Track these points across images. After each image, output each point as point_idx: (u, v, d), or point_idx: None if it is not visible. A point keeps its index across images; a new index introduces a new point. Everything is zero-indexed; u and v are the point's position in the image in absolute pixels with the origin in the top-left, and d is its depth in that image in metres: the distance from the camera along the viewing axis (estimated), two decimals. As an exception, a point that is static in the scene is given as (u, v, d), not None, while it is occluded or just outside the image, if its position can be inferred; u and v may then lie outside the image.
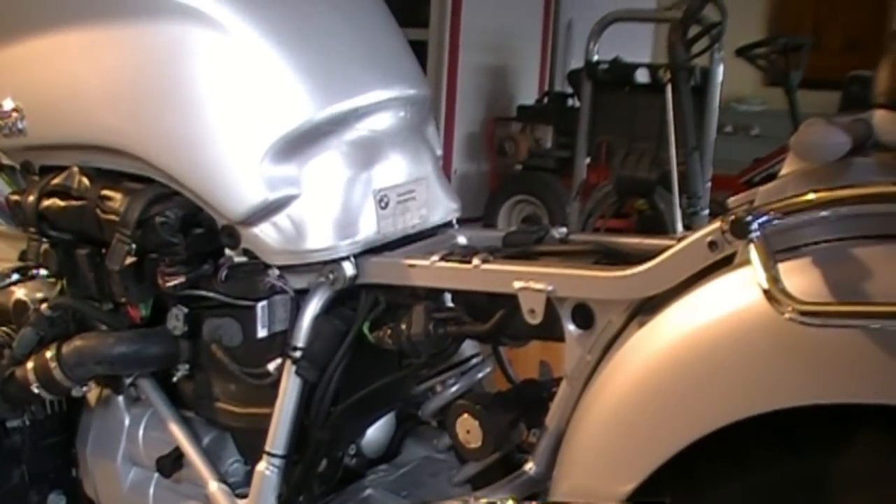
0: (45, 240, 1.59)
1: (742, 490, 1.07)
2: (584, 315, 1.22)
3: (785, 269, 0.99)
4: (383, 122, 1.49)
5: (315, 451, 1.42)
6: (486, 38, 6.07)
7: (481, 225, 5.14)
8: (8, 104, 1.56)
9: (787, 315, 0.95)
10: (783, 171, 1.08)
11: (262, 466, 1.41)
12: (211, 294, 1.43)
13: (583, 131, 4.71)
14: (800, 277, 0.99)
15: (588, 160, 4.80)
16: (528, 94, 6.45)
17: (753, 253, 1.00)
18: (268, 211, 1.37)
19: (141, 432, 1.64)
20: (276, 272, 1.41)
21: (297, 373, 1.38)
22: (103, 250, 1.48)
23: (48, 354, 1.54)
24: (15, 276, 1.68)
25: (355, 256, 1.40)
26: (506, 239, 1.46)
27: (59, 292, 1.62)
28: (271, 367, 1.42)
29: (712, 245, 1.08)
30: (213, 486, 1.49)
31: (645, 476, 1.10)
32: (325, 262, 1.39)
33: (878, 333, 0.94)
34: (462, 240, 1.55)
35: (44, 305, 1.58)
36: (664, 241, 1.31)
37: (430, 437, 1.59)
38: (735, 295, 1.04)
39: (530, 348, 1.45)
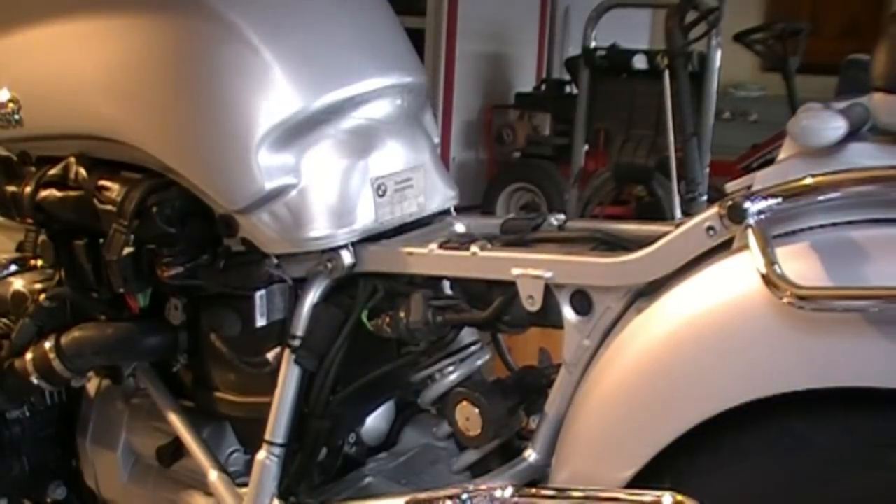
0: (42, 230, 1.59)
1: (741, 476, 1.07)
2: (582, 301, 1.22)
3: (783, 253, 0.99)
4: (380, 110, 1.48)
5: (315, 439, 1.42)
6: (483, 25, 6.06)
7: (479, 213, 5.14)
8: (4, 95, 1.55)
9: (784, 299, 0.95)
10: (780, 156, 1.08)
11: (261, 455, 1.41)
12: (209, 284, 1.43)
13: (581, 118, 4.72)
14: (798, 262, 0.99)
15: (586, 147, 4.80)
16: (525, 82, 6.44)
17: (751, 238, 1.00)
18: (265, 200, 1.37)
19: (141, 422, 1.64)
20: (275, 261, 1.41)
21: (296, 362, 1.38)
22: (101, 241, 1.47)
23: (47, 345, 1.54)
24: (13, 267, 1.68)
25: (353, 245, 1.40)
26: (504, 226, 1.46)
27: (57, 283, 1.61)
28: (270, 356, 1.42)
29: (710, 230, 1.08)
30: (214, 476, 1.49)
31: (645, 462, 1.11)
32: (323, 251, 1.38)
33: (877, 317, 0.94)
34: (460, 227, 1.55)
35: (42, 296, 1.58)
36: (662, 227, 1.31)
37: (430, 425, 1.59)
38: (733, 280, 1.04)
39: (529, 335, 1.45)
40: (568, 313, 1.23)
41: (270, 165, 1.36)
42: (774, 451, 1.05)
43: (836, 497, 1.02)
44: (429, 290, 1.36)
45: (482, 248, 1.30)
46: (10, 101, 1.55)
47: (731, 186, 1.17)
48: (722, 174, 3.89)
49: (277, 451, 1.40)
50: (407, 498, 1.31)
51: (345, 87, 1.43)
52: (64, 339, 1.53)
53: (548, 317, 1.26)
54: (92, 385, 1.71)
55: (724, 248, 1.09)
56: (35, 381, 1.56)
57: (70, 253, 1.56)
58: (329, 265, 1.38)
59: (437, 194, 1.55)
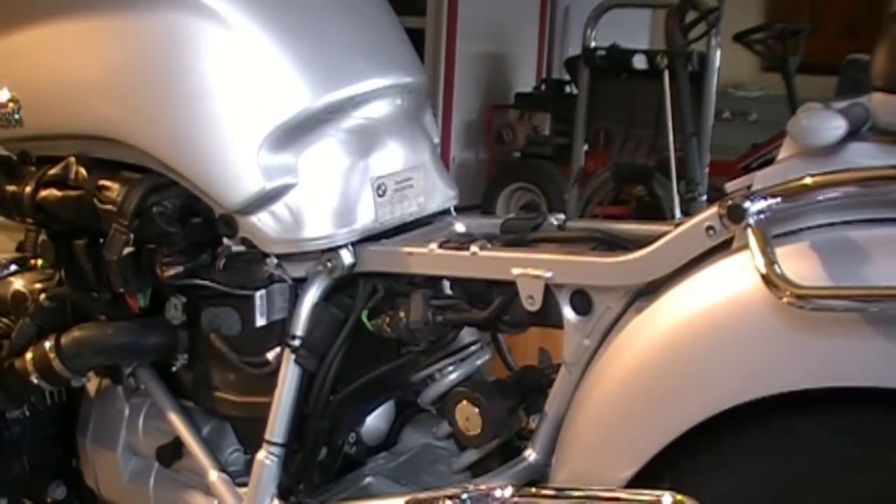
0: (42, 230, 1.59)
1: (742, 475, 1.07)
2: (582, 301, 1.22)
3: (782, 253, 0.99)
4: (380, 109, 1.48)
5: (315, 439, 1.42)
6: (483, 25, 6.06)
7: (479, 213, 5.14)
8: (4, 95, 1.55)
9: (784, 299, 0.95)
10: (780, 156, 1.07)
11: (261, 455, 1.41)
12: (209, 283, 1.43)
13: (580, 118, 4.72)
14: (797, 261, 0.99)
15: (586, 147, 4.81)
16: (525, 82, 6.44)
17: (751, 237, 1.00)
18: (265, 200, 1.37)
19: (141, 422, 1.64)
20: (275, 261, 1.41)
21: (296, 361, 1.38)
22: (101, 241, 1.47)
23: (47, 345, 1.54)
24: (13, 267, 1.68)
25: (353, 244, 1.40)
26: (504, 226, 1.47)
27: (57, 283, 1.61)
28: (270, 356, 1.42)
29: (710, 230, 1.08)
30: (214, 476, 1.49)
31: (644, 462, 1.11)
32: (324, 251, 1.38)
33: (877, 317, 0.94)
34: (460, 227, 1.55)
35: (42, 296, 1.58)
36: (662, 227, 1.31)
37: (430, 425, 1.59)
38: (733, 280, 1.04)
39: (529, 335, 1.45)
40: (568, 313, 1.23)
41: (270, 165, 1.36)
42: (774, 450, 1.05)
43: (836, 497, 1.03)
44: (429, 290, 1.36)
45: (482, 248, 1.30)
46: (10, 101, 1.55)
47: (731, 186, 1.17)
48: (722, 174, 3.89)
49: (277, 451, 1.40)
50: (407, 498, 1.31)
51: (345, 88, 1.43)
52: (64, 339, 1.53)
53: (548, 317, 1.26)
54: (92, 385, 1.70)
55: (723, 248, 1.09)
56: (35, 380, 1.56)
57: (70, 253, 1.56)
58: (329, 265, 1.38)
59: (437, 194, 1.55)
